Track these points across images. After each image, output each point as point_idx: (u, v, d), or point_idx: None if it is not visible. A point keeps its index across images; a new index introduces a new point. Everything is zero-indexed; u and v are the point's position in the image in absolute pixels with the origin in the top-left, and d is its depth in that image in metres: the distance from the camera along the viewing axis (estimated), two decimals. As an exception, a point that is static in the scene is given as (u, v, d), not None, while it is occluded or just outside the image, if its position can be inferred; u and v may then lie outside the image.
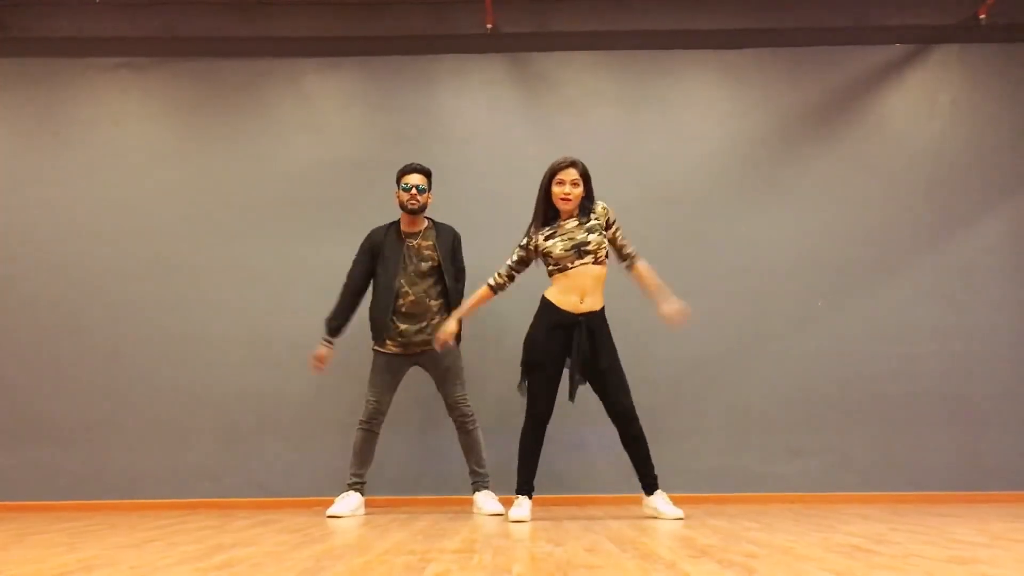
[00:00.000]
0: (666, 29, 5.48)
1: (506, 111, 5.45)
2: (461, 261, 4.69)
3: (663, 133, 5.38)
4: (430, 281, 4.53)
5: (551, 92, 5.46)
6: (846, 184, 5.33)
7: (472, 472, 4.57)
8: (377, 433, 4.55)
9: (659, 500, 4.04)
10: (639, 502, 4.60)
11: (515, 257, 4.17)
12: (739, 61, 5.45)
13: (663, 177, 5.32)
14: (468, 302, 4.27)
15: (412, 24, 5.49)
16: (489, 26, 5.40)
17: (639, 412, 4.01)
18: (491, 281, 4.18)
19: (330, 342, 4.60)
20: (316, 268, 5.25)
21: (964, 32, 5.42)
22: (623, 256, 4.20)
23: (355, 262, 4.65)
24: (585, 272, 4.00)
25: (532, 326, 4.08)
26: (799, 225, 5.29)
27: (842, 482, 5.05)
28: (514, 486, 4.08)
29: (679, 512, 3.96)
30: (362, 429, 4.53)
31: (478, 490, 4.53)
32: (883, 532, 3.24)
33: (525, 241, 4.16)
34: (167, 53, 5.51)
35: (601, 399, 4.06)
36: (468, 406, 4.56)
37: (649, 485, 4.07)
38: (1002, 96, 5.39)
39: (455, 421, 4.57)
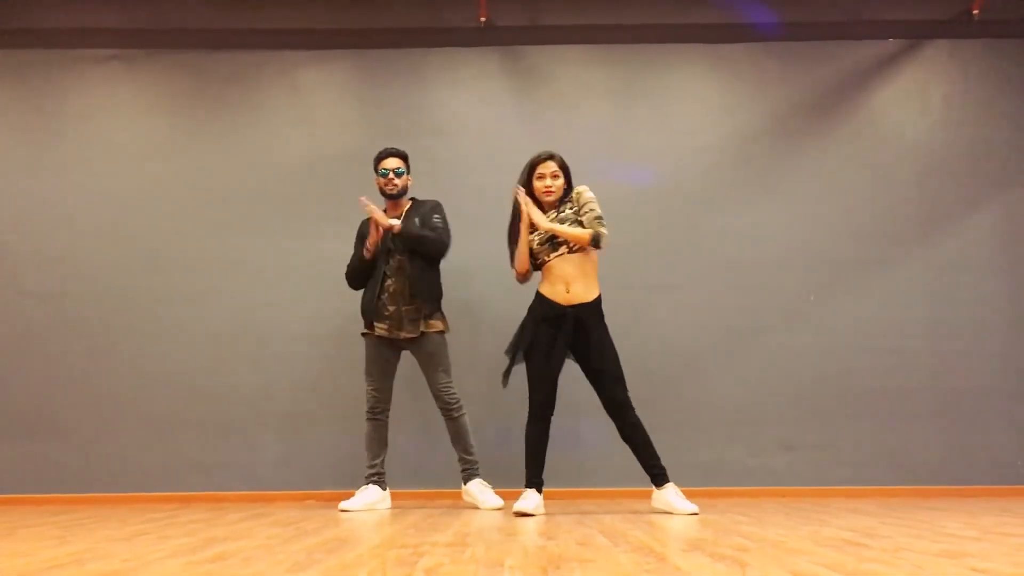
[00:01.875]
0: (658, 23, 5.47)
1: (498, 104, 5.44)
2: (440, 225, 4.49)
3: (655, 127, 5.38)
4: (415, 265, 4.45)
5: (543, 86, 5.46)
6: (837, 179, 5.34)
7: (461, 460, 4.51)
8: (384, 421, 4.51)
9: (671, 493, 3.91)
10: (631, 496, 4.62)
11: None
12: (731, 55, 5.45)
13: (655, 171, 5.33)
14: (523, 248, 4.07)
15: (405, 17, 5.48)
16: (482, 19, 5.39)
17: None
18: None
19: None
20: (308, 261, 5.24)
21: (957, 27, 5.43)
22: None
23: (353, 253, 4.63)
24: (564, 262, 3.97)
25: (525, 318, 4.07)
26: (790, 219, 5.30)
27: (833, 476, 5.07)
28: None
29: (693, 507, 3.82)
30: (368, 420, 4.50)
31: (469, 479, 4.47)
32: (873, 525, 3.25)
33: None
34: (158, 45, 5.48)
35: (597, 392, 4.01)
36: (452, 394, 4.49)
37: (656, 476, 3.95)
38: (994, 92, 5.40)
39: (440, 410, 4.53)
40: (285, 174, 5.36)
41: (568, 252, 3.98)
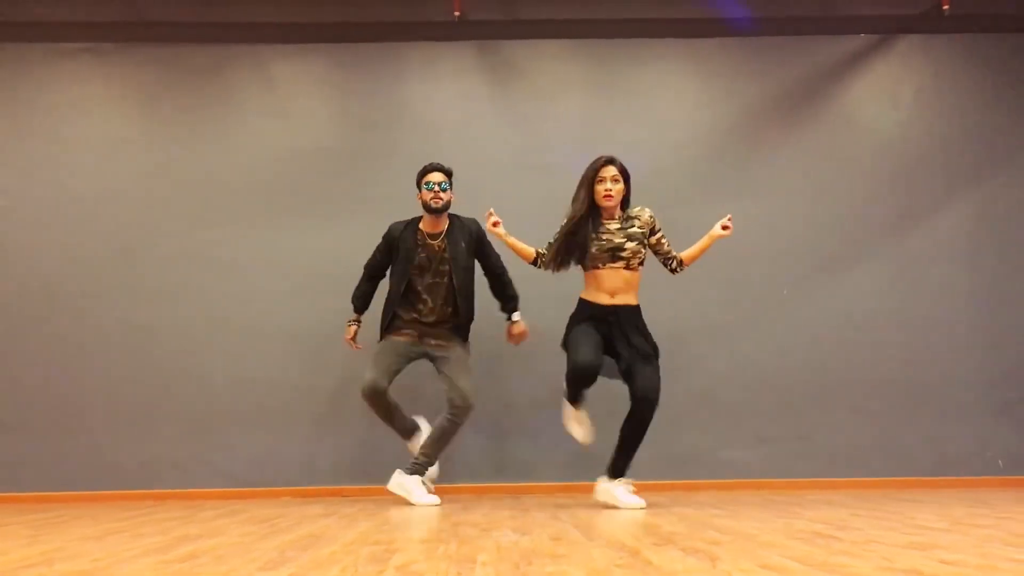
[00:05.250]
0: (635, 18, 5.47)
1: (475, 99, 5.42)
2: (496, 255, 4.64)
3: (632, 121, 5.38)
4: (448, 285, 4.50)
5: (520, 80, 5.45)
6: (811, 173, 5.36)
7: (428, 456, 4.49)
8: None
9: (620, 488, 3.99)
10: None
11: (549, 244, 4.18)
12: (707, 50, 5.46)
13: (631, 165, 5.26)
14: (518, 245, 4.29)
15: (380, 11, 5.44)
16: (457, 14, 5.37)
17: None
18: (539, 249, 4.24)
19: (358, 320, 4.71)
20: (283, 256, 5.21)
21: (928, 22, 5.46)
22: (668, 261, 4.26)
23: (373, 254, 4.66)
24: (616, 275, 4.05)
25: (570, 321, 4.10)
26: (765, 214, 5.32)
27: (808, 468, 5.10)
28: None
29: (641, 502, 3.93)
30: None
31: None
32: (845, 518, 3.29)
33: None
34: (131, 38, 5.42)
35: (628, 384, 4.03)
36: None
37: (618, 470, 4.02)
38: (965, 87, 5.44)
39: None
40: (261, 168, 5.32)
41: (624, 268, 4.06)
